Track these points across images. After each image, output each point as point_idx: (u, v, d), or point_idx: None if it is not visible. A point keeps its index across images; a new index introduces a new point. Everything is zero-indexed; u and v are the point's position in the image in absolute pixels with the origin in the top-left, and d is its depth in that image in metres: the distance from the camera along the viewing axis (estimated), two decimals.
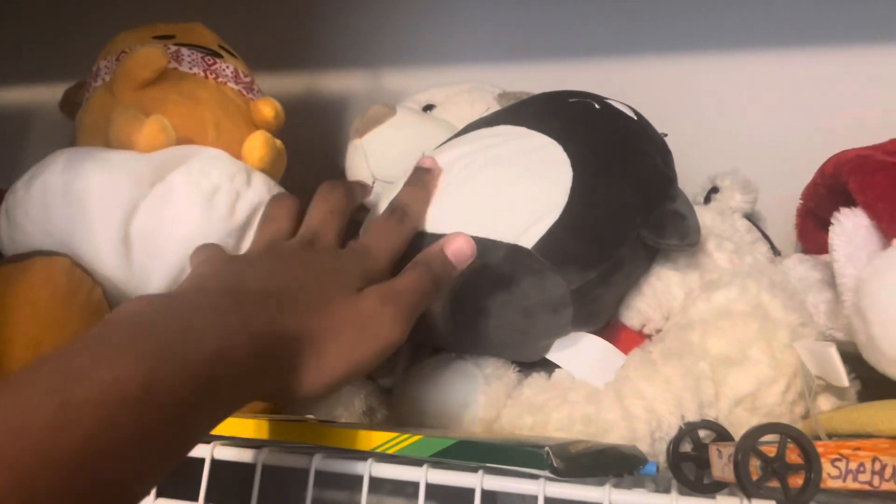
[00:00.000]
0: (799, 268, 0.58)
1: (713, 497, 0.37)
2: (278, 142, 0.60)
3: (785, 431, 0.38)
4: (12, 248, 0.51)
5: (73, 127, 0.62)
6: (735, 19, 0.72)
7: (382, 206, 0.52)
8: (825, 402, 0.48)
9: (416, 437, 0.40)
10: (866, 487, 0.39)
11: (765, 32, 0.71)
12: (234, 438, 0.45)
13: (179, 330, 0.31)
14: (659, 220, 0.49)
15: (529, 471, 0.38)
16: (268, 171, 0.57)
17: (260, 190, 0.54)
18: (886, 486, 0.39)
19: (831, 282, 0.56)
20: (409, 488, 0.42)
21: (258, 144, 0.57)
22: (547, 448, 0.37)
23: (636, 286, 0.52)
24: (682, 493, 0.37)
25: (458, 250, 0.43)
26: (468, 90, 0.73)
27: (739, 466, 0.37)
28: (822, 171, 0.57)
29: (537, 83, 0.73)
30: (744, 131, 0.73)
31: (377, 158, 0.66)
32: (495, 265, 0.46)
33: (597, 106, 0.54)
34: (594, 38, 0.77)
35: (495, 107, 0.71)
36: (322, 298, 0.39)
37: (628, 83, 0.67)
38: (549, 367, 0.51)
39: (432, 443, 0.40)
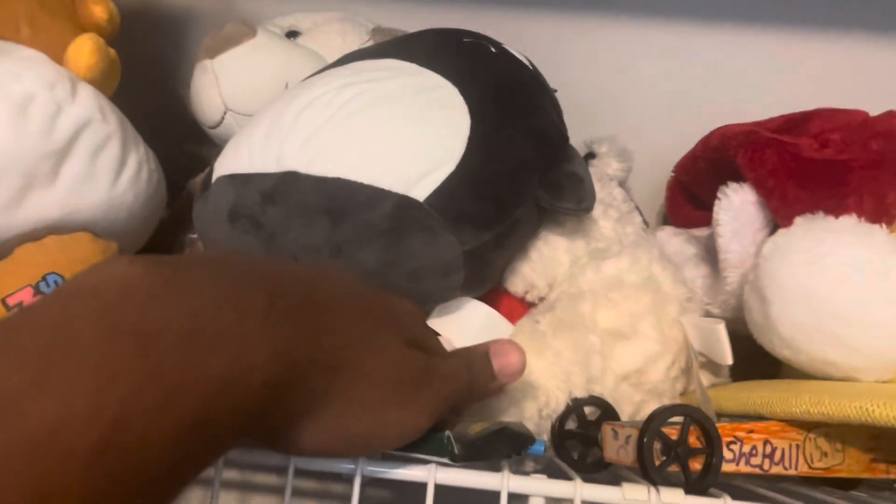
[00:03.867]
0: (673, 241, 0.58)
1: (619, 486, 0.34)
2: (111, 50, 0.49)
3: (689, 413, 0.36)
4: None
5: None
6: None
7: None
8: (703, 379, 0.48)
9: None
10: (757, 471, 0.38)
11: (656, 1, 0.69)
12: None
13: (182, 334, 0.21)
14: (556, 181, 0.45)
15: (416, 455, 0.33)
16: (97, 83, 0.47)
17: (88, 105, 0.43)
18: (775, 470, 0.38)
19: (706, 256, 0.55)
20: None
21: (87, 50, 0.46)
22: (448, 432, 0.32)
23: (522, 250, 0.48)
24: (586, 479, 0.34)
25: (508, 366, 0.34)
26: (338, 19, 0.65)
27: (644, 451, 0.35)
28: (705, 143, 0.56)
29: (411, 23, 0.67)
30: (615, 99, 0.71)
31: (230, 85, 0.57)
32: (381, 219, 0.40)
33: (493, 49, 0.49)
34: None
35: (370, 42, 0.64)
36: (372, 328, 0.29)
37: (507, 34, 0.63)
38: None
39: None
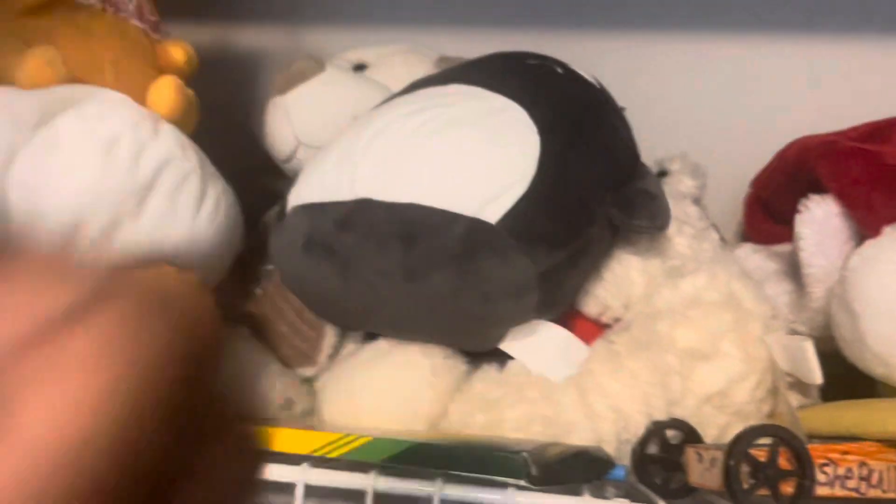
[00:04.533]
0: (753, 257, 0.56)
1: None
2: (190, 90, 0.51)
3: (779, 434, 0.34)
4: None
5: None
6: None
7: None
8: (791, 400, 0.46)
9: (365, 439, 0.34)
10: (853, 495, 0.36)
11: (724, 16, 0.68)
12: None
13: None
14: (628, 198, 0.44)
15: (495, 478, 0.33)
16: (177, 122, 0.49)
17: (169, 143, 0.45)
18: (873, 493, 0.36)
19: (789, 272, 0.53)
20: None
21: (168, 91, 0.48)
22: (525, 453, 0.31)
23: (595, 270, 0.47)
24: None
25: None
26: (403, 52, 0.66)
27: (731, 474, 0.33)
28: (782, 156, 0.55)
29: (476, 52, 0.67)
30: (689, 115, 0.70)
31: (302, 119, 0.58)
32: (453, 242, 0.40)
33: (559, 70, 0.49)
34: (540, 7, 0.72)
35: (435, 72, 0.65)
36: None
37: (576, 56, 0.63)
38: (501, 357, 0.45)
39: (384, 445, 0.34)
